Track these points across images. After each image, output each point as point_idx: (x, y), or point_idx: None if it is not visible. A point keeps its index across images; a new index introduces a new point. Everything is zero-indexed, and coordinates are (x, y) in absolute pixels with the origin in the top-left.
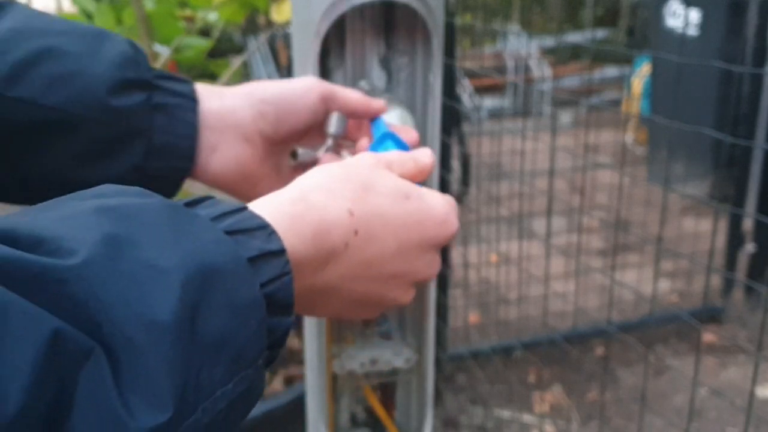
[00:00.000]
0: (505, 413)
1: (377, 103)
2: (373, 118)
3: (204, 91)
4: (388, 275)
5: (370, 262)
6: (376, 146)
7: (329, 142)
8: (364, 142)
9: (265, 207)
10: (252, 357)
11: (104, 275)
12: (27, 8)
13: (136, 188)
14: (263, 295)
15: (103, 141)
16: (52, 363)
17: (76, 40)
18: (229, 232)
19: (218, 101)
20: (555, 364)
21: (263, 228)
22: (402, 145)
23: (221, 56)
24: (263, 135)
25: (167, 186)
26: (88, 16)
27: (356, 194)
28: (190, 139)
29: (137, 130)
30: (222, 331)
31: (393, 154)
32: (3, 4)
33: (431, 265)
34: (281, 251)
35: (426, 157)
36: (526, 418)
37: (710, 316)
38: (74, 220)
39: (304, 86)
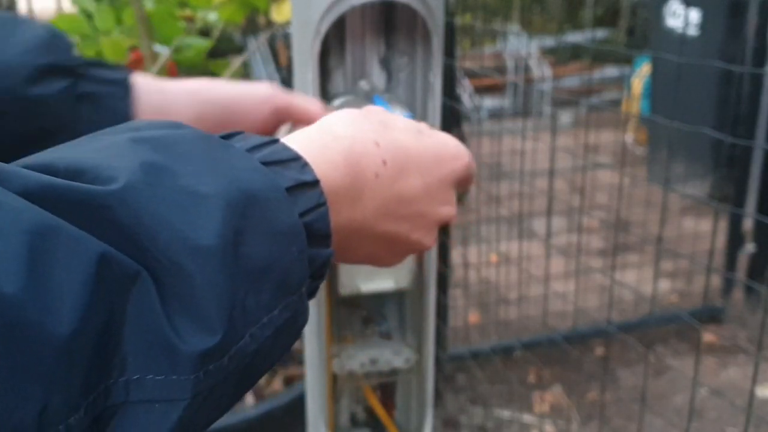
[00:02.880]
0: (505, 413)
1: (322, 108)
2: None
3: (145, 84)
4: (416, 213)
5: (400, 196)
6: None
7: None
8: None
9: (295, 140)
10: (295, 284)
11: (146, 200)
12: None
13: (168, 120)
14: (305, 223)
15: (21, 137)
16: (100, 286)
17: None
18: (264, 163)
19: (159, 96)
20: (555, 364)
21: (296, 159)
22: None
23: (221, 56)
24: None
25: None
26: (88, 16)
27: (378, 128)
28: None
29: (61, 122)
30: (265, 257)
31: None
32: None
33: (450, 205)
34: (315, 182)
35: None
36: (526, 418)
37: (710, 316)
38: (111, 150)
39: (259, 97)
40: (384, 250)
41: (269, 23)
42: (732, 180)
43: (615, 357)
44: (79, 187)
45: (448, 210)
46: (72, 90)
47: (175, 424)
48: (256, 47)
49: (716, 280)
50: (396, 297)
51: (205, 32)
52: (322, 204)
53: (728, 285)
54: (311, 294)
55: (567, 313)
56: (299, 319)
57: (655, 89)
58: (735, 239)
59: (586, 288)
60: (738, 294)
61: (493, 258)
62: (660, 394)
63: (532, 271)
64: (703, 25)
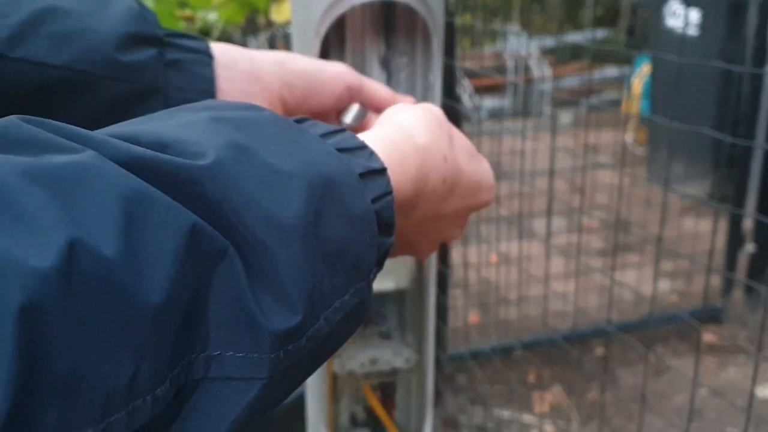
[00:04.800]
0: (505, 413)
1: (407, 99)
2: None
3: (233, 51)
4: (438, 230)
5: (438, 214)
6: None
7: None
8: None
9: (377, 139)
10: (366, 269)
11: (234, 176)
12: None
13: (243, 102)
14: (375, 209)
15: (117, 101)
16: (190, 258)
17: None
18: (336, 149)
19: (248, 63)
20: (555, 364)
21: (364, 148)
22: None
23: None
24: (285, 106)
25: None
26: None
27: (448, 141)
28: (208, 94)
29: (152, 87)
30: (341, 240)
31: None
32: None
33: (462, 228)
34: (383, 170)
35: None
36: (526, 418)
37: (710, 316)
38: (193, 127)
39: (335, 72)
40: (423, 243)
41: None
42: (732, 180)
43: (615, 357)
44: (170, 160)
45: (459, 233)
46: (160, 57)
47: (250, 403)
48: (256, 47)
49: (716, 280)
50: (396, 297)
51: (205, 32)
52: (389, 192)
53: (728, 285)
54: (374, 274)
55: (567, 313)
56: (366, 305)
57: (655, 89)
58: (735, 239)
59: (586, 288)
60: (738, 294)
61: (493, 258)
62: (660, 394)
63: (532, 271)
64: (703, 25)
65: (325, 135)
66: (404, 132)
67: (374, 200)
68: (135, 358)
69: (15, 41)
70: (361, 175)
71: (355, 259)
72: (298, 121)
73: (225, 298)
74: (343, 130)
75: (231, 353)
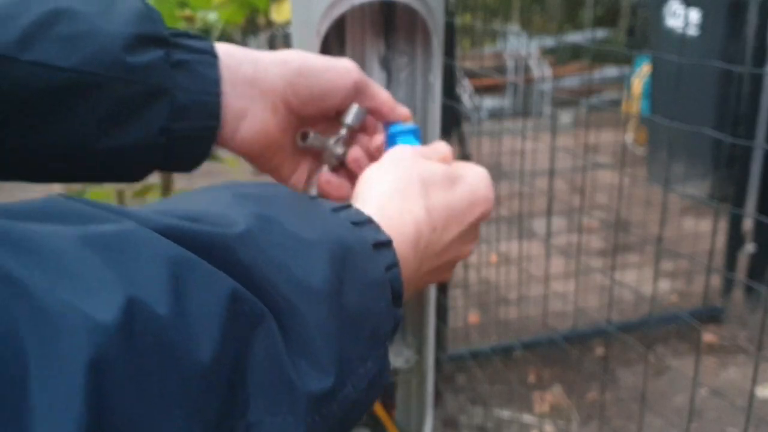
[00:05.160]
0: (505, 413)
1: (403, 110)
2: (392, 122)
3: (237, 53)
4: (451, 260)
5: (442, 252)
6: (394, 141)
7: (343, 132)
8: (379, 138)
9: (371, 208)
10: (383, 336)
11: (264, 244)
12: None
13: (256, 182)
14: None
15: (125, 102)
16: (233, 320)
17: (87, 1)
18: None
19: (251, 66)
20: (555, 364)
21: (371, 222)
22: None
23: None
24: (288, 106)
25: (197, 149)
26: None
27: (423, 190)
28: (214, 95)
29: (159, 88)
30: (361, 307)
31: (420, 147)
32: None
33: (475, 241)
34: (389, 242)
35: (443, 146)
36: (526, 418)
37: (710, 316)
38: (219, 203)
39: (344, 69)
40: (431, 279)
41: (269, 23)
42: (732, 180)
43: (615, 357)
44: (205, 229)
45: (471, 247)
46: (167, 58)
47: None
48: (256, 47)
49: (716, 280)
50: None
51: (205, 32)
52: (396, 263)
53: (728, 285)
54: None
55: (567, 313)
56: (384, 375)
57: (655, 89)
58: (735, 239)
59: (586, 288)
60: (738, 294)
61: (493, 258)
62: (660, 394)
63: (532, 271)
64: (703, 25)
65: (336, 210)
66: (389, 208)
67: (386, 269)
68: (187, 418)
69: (25, 44)
70: (373, 246)
71: (374, 326)
72: (310, 197)
73: (264, 362)
74: (350, 206)
75: (269, 419)
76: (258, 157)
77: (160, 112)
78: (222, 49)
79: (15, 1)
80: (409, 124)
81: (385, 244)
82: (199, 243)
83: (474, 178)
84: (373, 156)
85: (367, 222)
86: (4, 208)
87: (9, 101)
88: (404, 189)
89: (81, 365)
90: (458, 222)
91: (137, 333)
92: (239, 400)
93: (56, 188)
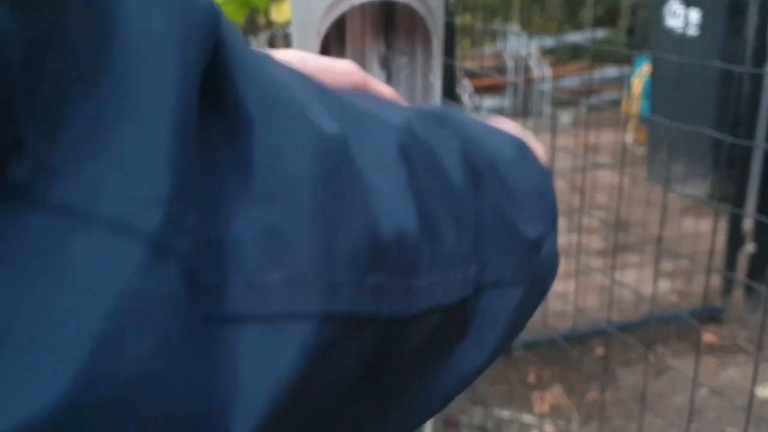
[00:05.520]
0: (505, 413)
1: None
2: None
3: None
4: None
5: None
6: None
7: None
8: None
9: None
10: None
11: (461, 122)
12: None
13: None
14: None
15: None
16: (468, 165)
17: None
18: None
19: None
20: (555, 364)
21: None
22: None
23: None
24: None
25: None
26: None
27: None
28: None
29: None
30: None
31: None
32: None
33: None
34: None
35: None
36: (526, 418)
37: (710, 316)
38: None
39: (343, 70)
40: None
41: (269, 23)
42: (732, 180)
43: (615, 357)
44: (428, 108)
45: None
46: None
47: (516, 308)
48: (256, 47)
49: (716, 280)
50: None
51: None
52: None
53: (728, 285)
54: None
55: (567, 313)
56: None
57: (655, 89)
58: (735, 239)
59: (586, 288)
60: (738, 294)
61: None
62: (660, 394)
63: None
64: (703, 25)
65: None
66: None
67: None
68: (454, 225)
69: None
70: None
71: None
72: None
73: (491, 210)
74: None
75: (499, 259)
76: None
77: None
78: None
79: None
80: None
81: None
82: (433, 118)
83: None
84: None
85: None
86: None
87: None
88: None
89: (394, 148)
90: None
91: (415, 141)
92: (476, 236)
93: None
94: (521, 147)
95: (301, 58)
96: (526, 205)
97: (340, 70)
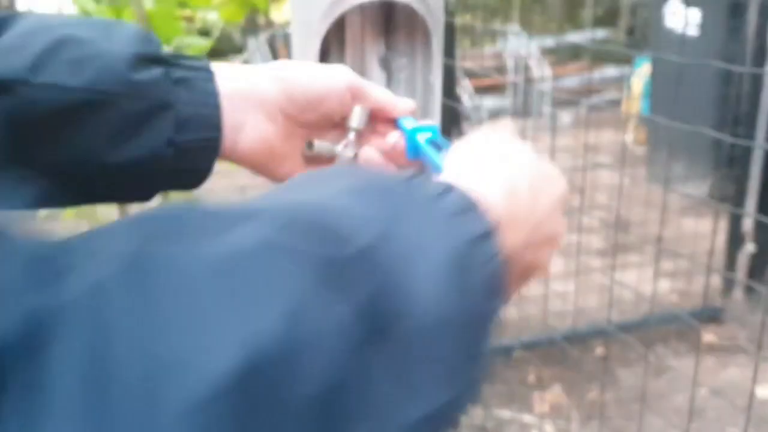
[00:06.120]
0: (505, 413)
1: (405, 102)
2: (398, 118)
3: (229, 71)
4: (548, 236)
5: (538, 221)
6: (413, 135)
7: (350, 136)
8: (394, 136)
9: (461, 177)
10: (490, 324)
11: (384, 257)
12: (36, 14)
13: (363, 169)
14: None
15: (132, 117)
16: (348, 340)
17: (89, 28)
18: (451, 214)
19: (245, 81)
20: (555, 364)
21: (474, 207)
22: (444, 141)
23: (221, 56)
24: (285, 114)
25: (202, 162)
26: (88, 16)
27: (501, 157)
28: (213, 107)
29: (163, 103)
30: (472, 309)
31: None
32: (14, 15)
33: (562, 221)
34: (494, 230)
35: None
36: (526, 418)
37: (710, 316)
38: (338, 200)
39: (339, 77)
40: (519, 282)
41: (269, 23)
42: (732, 180)
43: (615, 357)
44: (330, 248)
45: (562, 228)
46: (167, 76)
47: None
48: (256, 47)
49: (716, 280)
50: None
51: (205, 32)
52: (497, 253)
53: (728, 285)
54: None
55: (567, 313)
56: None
57: (655, 89)
58: (735, 239)
59: (586, 288)
60: (738, 294)
61: None
62: (660, 394)
63: None
64: (703, 25)
65: (440, 195)
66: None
67: (486, 261)
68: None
69: (37, 68)
70: (473, 240)
71: (479, 331)
72: (414, 175)
73: (373, 378)
74: (451, 188)
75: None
76: (264, 166)
77: (165, 125)
78: (216, 67)
79: (21, 34)
80: (425, 122)
81: (489, 233)
82: (324, 265)
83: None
84: (388, 155)
85: (472, 208)
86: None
87: (23, 123)
88: (481, 155)
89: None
90: (545, 191)
91: (251, 389)
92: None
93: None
94: (464, 257)
95: (295, 66)
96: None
97: (338, 76)
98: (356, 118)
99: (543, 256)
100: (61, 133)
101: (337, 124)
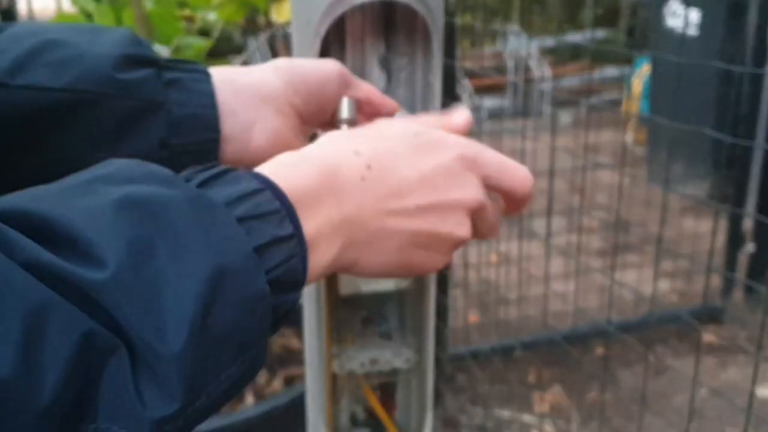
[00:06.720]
0: (505, 413)
1: (390, 102)
2: (385, 116)
3: (228, 71)
4: (425, 206)
5: (394, 190)
6: None
7: (343, 129)
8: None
9: (269, 165)
10: (256, 341)
11: (127, 288)
12: (28, 22)
13: (163, 172)
14: (272, 279)
15: (119, 118)
16: (83, 357)
17: (76, 32)
18: (244, 218)
19: (247, 77)
20: (555, 364)
21: (277, 212)
22: None
23: (221, 56)
24: (294, 107)
25: (202, 163)
26: (88, 16)
27: (359, 140)
28: (210, 108)
29: (153, 103)
30: (230, 325)
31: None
32: (4, 24)
33: (466, 188)
34: (291, 236)
35: (459, 116)
36: (526, 418)
37: (710, 316)
38: (101, 218)
39: (330, 68)
40: (412, 251)
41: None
42: (732, 180)
43: (615, 357)
44: (73, 272)
45: (465, 194)
46: (158, 76)
47: None
48: (256, 47)
49: (716, 280)
50: (396, 297)
51: (205, 32)
52: (295, 255)
53: (728, 285)
54: (273, 332)
55: (567, 313)
56: (256, 366)
57: (655, 89)
58: (735, 239)
59: (586, 288)
60: (738, 294)
61: (493, 258)
62: (660, 394)
63: (532, 271)
64: (703, 25)
65: (239, 199)
66: (297, 152)
67: (276, 267)
68: None
69: (16, 71)
70: (266, 245)
71: (244, 337)
72: (219, 174)
73: (112, 386)
74: (261, 191)
75: (116, 428)
76: None
77: (156, 127)
78: (215, 70)
79: (5, 39)
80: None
81: (286, 237)
82: (68, 283)
83: (444, 135)
84: None
85: (271, 213)
86: None
87: (4, 127)
88: (331, 139)
89: None
90: (412, 163)
91: None
92: (89, 413)
93: None
94: (221, 283)
95: (290, 60)
96: (171, 380)
97: (330, 68)
98: (345, 109)
99: (444, 225)
100: (45, 136)
101: (330, 122)
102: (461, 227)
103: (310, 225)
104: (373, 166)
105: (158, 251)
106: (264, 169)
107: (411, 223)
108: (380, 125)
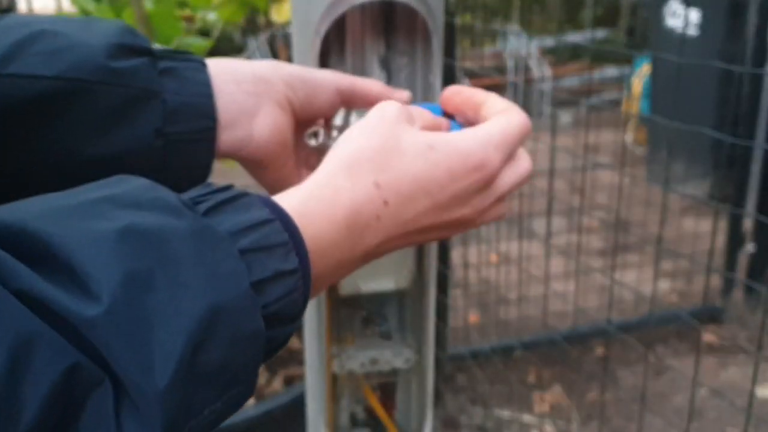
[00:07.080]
0: (505, 413)
1: (400, 93)
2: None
3: (231, 61)
4: (433, 226)
5: (405, 223)
6: None
7: (335, 134)
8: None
9: (295, 196)
10: (245, 377)
11: (118, 325)
12: (19, 14)
13: (171, 199)
14: (269, 314)
15: (113, 107)
16: (66, 390)
17: (69, 23)
18: (249, 250)
19: (249, 67)
20: (555, 364)
21: (284, 245)
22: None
23: (221, 56)
24: (292, 105)
25: (197, 153)
26: (88, 15)
27: (380, 162)
28: (206, 96)
29: (147, 91)
30: (220, 363)
31: (414, 108)
32: None
33: (472, 207)
34: (295, 270)
35: (428, 114)
36: (526, 418)
37: (710, 316)
38: (102, 246)
39: (324, 77)
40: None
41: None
42: (732, 180)
43: (615, 357)
44: (67, 307)
45: (475, 207)
46: (152, 65)
47: None
48: (256, 47)
49: (716, 280)
50: (396, 297)
51: (205, 32)
52: (295, 290)
53: (728, 285)
54: (267, 359)
55: (567, 313)
56: (243, 399)
57: (655, 89)
58: (735, 239)
59: (586, 288)
60: (738, 294)
61: (493, 258)
62: (660, 394)
63: (532, 271)
64: (703, 25)
65: (246, 229)
66: (322, 181)
67: (275, 301)
68: None
69: (7, 60)
70: (267, 279)
71: (234, 373)
72: (229, 200)
73: (94, 418)
74: (270, 221)
75: None
76: (274, 158)
77: (151, 116)
78: (214, 60)
79: None
80: (429, 104)
81: (289, 272)
82: (59, 317)
83: (467, 143)
84: None
85: (278, 245)
86: None
87: None
88: (353, 163)
89: None
90: (427, 191)
91: None
92: None
93: None
94: (214, 322)
95: (289, 65)
96: (155, 416)
97: (322, 78)
98: (339, 117)
99: (440, 234)
100: (39, 125)
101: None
102: (463, 229)
103: (319, 264)
104: (390, 202)
105: (155, 286)
106: (290, 201)
107: (416, 238)
108: (398, 133)
